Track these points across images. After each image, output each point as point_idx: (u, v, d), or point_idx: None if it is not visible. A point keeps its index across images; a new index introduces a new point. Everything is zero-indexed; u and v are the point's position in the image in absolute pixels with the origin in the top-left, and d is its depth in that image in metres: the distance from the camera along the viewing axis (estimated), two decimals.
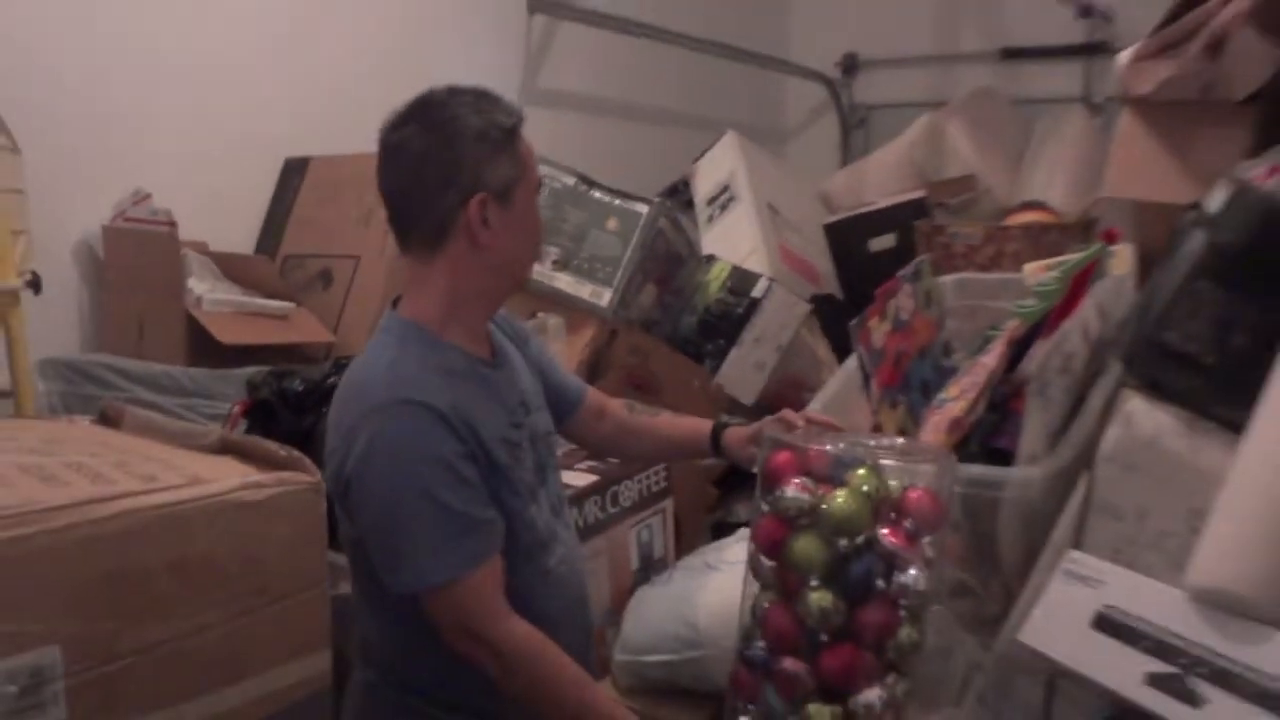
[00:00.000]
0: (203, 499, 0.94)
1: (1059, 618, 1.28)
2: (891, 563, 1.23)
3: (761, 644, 1.30)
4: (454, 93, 1.38)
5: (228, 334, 2.29)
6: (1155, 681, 1.15)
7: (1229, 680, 1.10)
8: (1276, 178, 1.57)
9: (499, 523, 1.35)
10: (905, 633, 1.25)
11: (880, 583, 1.23)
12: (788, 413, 1.50)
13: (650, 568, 2.03)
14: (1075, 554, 1.32)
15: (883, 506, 1.26)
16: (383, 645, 1.41)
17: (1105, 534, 1.39)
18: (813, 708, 1.24)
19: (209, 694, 0.99)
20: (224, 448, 1.11)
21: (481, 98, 1.38)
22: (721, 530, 2.40)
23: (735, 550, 1.89)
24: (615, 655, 1.89)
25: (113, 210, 2.31)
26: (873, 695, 1.23)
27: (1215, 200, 1.34)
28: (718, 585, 1.83)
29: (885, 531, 1.23)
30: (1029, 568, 1.48)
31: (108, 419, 1.26)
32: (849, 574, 1.23)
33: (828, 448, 1.29)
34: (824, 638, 1.24)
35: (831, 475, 1.26)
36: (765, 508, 1.30)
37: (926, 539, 1.25)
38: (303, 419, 2.07)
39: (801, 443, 1.32)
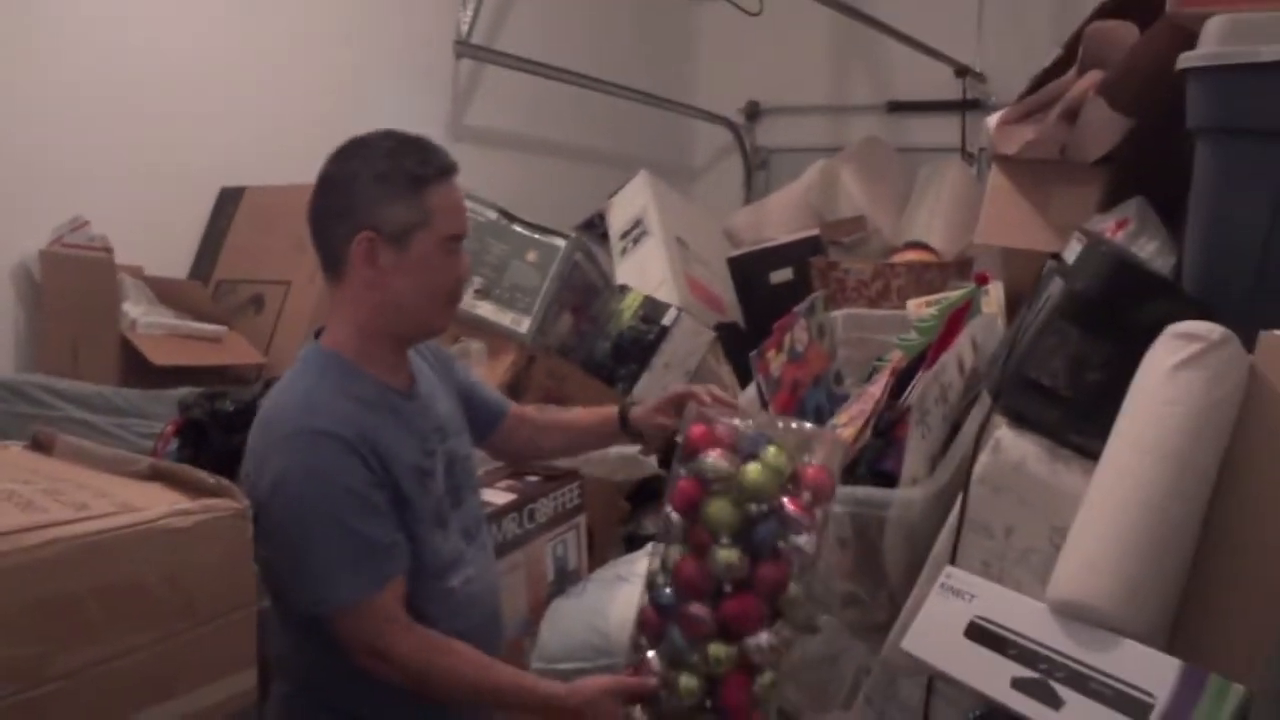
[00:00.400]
0: (131, 526, 0.90)
1: (936, 627, 1.31)
2: (789, 527, 1.33)
3: (669, 589, 1.38)
4: (386, 135, 1.39)
5: (161, 355, 2.22)
6: (1020, 685, 1.19)
7: (1085, 684, 1.13)
8: (1123, 231, 1.64)
9: (404, 545, 1.34)
10: (794, 587, 1.35)
11: (779, 543, 1.33)
12: (697, 389, 1.58)
13: (565, 580, 2.03)
14: (950, 569, 1.35)
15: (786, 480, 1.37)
16: (296, 660, 1.38)
17: (977, 550, 1.42)
18: (713, 646, 1.34)
19: (137, 714, 0.95)
20: (154, 475, 1.07)
21: (405, 143, 1.37)
22: (633, 542, 2.40)
23: (644, 563, 1.89)
24: (532, 664, 1.88)
25: (50, 236, 2.23)
26: (764, 638, 1.33)
27: (1072, 252, 1.39)
28: (628, 596, 1.83)
29: (787, 500, 1.34)
30: (912, 580, 1.51)
31: (40, 445, 1.21)
32: (755, 535, 1.34)
33: (741, 425, 1.39)
34: (727, 588, 1.34)
35: (741, 449, 1.37)
36: (684, 472, 1.39)
37: (819, 509, 1.36)
38: (234, 438, 2.01)
39: (721, 419, 1.41)
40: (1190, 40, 1.44)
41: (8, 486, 0.96)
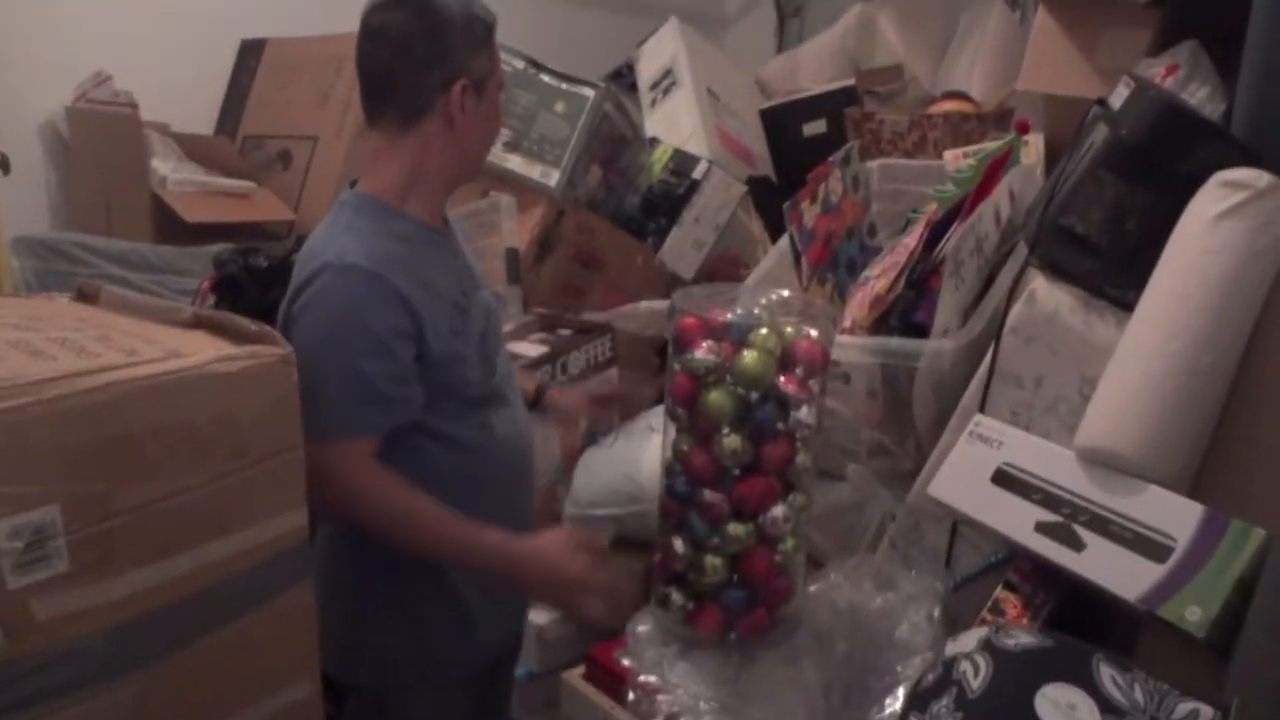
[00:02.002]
0: (180, 371, 0.94)
1: (963, 473, 1.34)
2: (788, 405, 1.37)
3: (683, 479, 1.43)
4: None
5: (192, 212, 2.24)
6: (1043, 529, 1.23)
7: (1106, 527, 1.17)
8: (1173, 76, 1.59)
9: (410, 404, 1.36)
10: (801, 459, 1.39)
11: (779, 424, 1.37)
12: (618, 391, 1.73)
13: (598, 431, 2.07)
14: (979, 417, 1.38)
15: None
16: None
17: (1006, 399, 1.44)
18: (731, 527, 1.39)
19: (196, 547, 1.01)
20: (197, 323, 1.10)
21: None
22: (662, 396, 2.44)
23: None
24: (566, 509, 1.94)
25: (75, 92, 2.21)
26: (778, 511, 1.38)
27: (1118, 97, 1.35)
28: (658, 445, 1.87)
29: (782, 379, 1.36)
30: (939, 430, 1.54)
31: (85, 296, 1.24)
32: (754, 419, 1.37)
33: (727, 315, 1.40)
34: (736, 471, 1.38)
35: (730, 336, 1.38)
36: (677, 367, 1.42)
37: (814, 380, 1.39)
38: (268, 293, 2.05)
39: (703, 310, 1.42)
40: None
41: (59, 334, 0.99)
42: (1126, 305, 1.33)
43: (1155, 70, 1.63)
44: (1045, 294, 1.41)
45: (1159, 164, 1.32)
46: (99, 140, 2.21)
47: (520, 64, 2.38)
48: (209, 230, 2.23)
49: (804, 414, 1.38)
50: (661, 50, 3.04)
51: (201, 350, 0.98)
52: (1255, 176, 1.20)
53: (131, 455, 0.91)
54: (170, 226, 2.24)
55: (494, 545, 1.38)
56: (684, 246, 2.63)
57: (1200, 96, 1.59)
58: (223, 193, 2.33)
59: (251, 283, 2.04)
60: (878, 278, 1.68)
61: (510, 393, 1.53)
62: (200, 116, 2.55)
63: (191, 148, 2.39)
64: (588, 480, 1.95)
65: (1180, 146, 1.31)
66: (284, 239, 2.29)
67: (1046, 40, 1.80)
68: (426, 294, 1.37)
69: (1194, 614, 1.07)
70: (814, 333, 1.42)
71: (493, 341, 1.52)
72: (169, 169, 2.30)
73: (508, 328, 2.09)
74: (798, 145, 2.97)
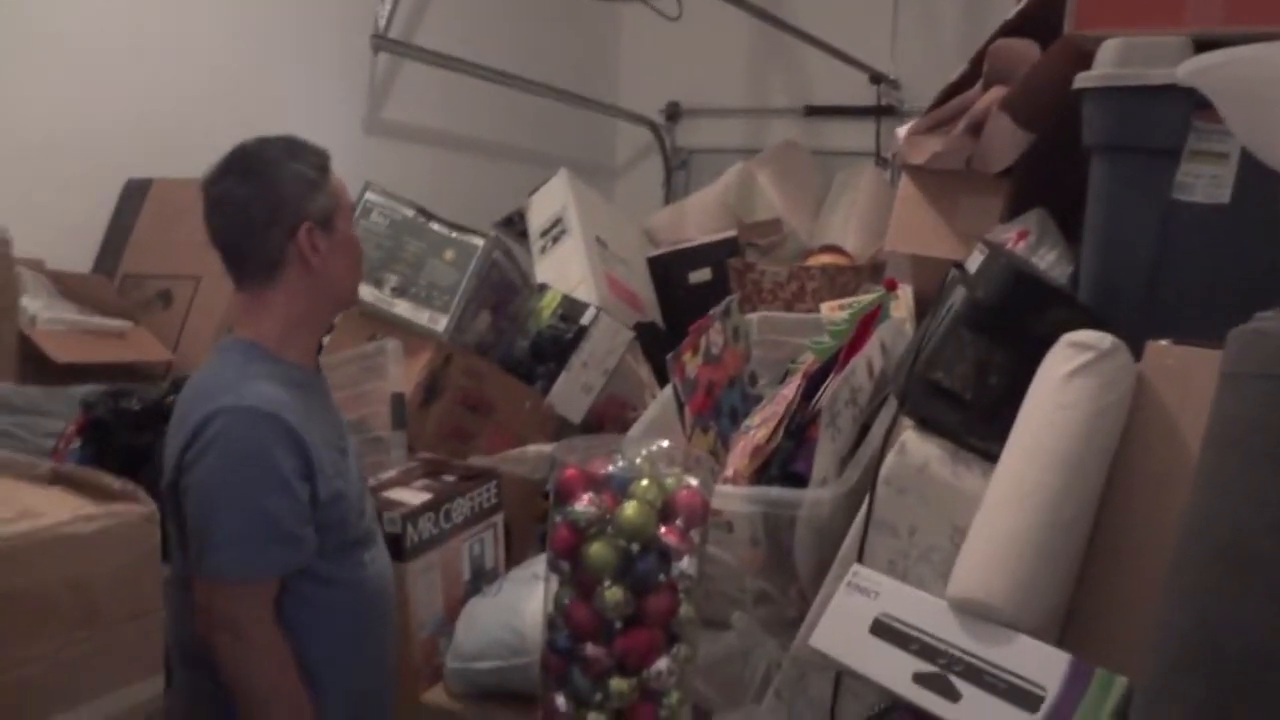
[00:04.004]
0: (33, 533, 0.89)
1: (842, 624, 1.35)
2: (669, 556, 1.37)
3: (565, 633, 1.41)
4: (265, 142, 1.48)
5: (62, 352, 2.15)
6: (921, 679, 1.23)
7: (981, 677, 1.19)
8: (1024, 241, 1.71)
9: (306, 545, 1.40)
10: (684, 610, 1.40)
11: (661, 575, 1.37)
12: None
13: (481, 578, 2.02)
14: (857, 567, 1.40)
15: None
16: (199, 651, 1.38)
17: (883, 548, 1.47)
18: (614, 682, 1.37)
19: None
20: (56, 479, 1.05)
21: (290, 142, 1.49)
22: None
23: None
24: (448, 663, 1.87)
25: None
26: (662, 665, 1.38)
27: (974, 261, 1.45)
28: (543, 594, 1.84)
29: (664, 530, 1.37)
30: (821, 577, 1.55)
31: None
32: (636, 571, 1.37)
33: (609, 468, 1.42)
34: (618, 624, 1.37)
35: (611, 487, 1.39)
36: (559, 518, 1.42)
37: (695, 530, 1.40)
38: (140, 437, 1.97)
39: (585, 461, 1.44)
40: (1087, 60, 1.51)
41: None
42: (991, 456, 1.39)
43: (1008, 235, 1.76)
44: (915, 445, 1.46)
45: (1012, 324, 1.41)
46: None
47: (410, 212, 2.41)
48: (80, 371, 2.14)
49: (686, 565, 1.39)
50: (552, 199, 3.13)
51: (57, 509, 0.93)
52: (1099, 338, 1.29)
53: None
54: (38, 366, 2.14)
55: None
56: (573, 391, 2.65)
57: (1050, 260, 1.71)
58: (97, 332, 2.25)
59: (121, 426, 1.96)
60: (758, 427, 1.72)
61: (377, 532, 1.61)
62: (78, 254, 2.49)
63: (67, 285, 2.32)
64: (470, 632, 1.89)
65: (1030, 309, 1.40)
66: (159, 380, 2.22)
67: (910, 205, 1.93)
68: (314, 436, 1.42)
69: None
70: (694, 482, 1.44)
71: (363, 482, 1.60)
72: (40, 306, 2.21)
73: (390, 473, 2.05)
74: (684, 292, 3.07)
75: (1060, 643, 1.21)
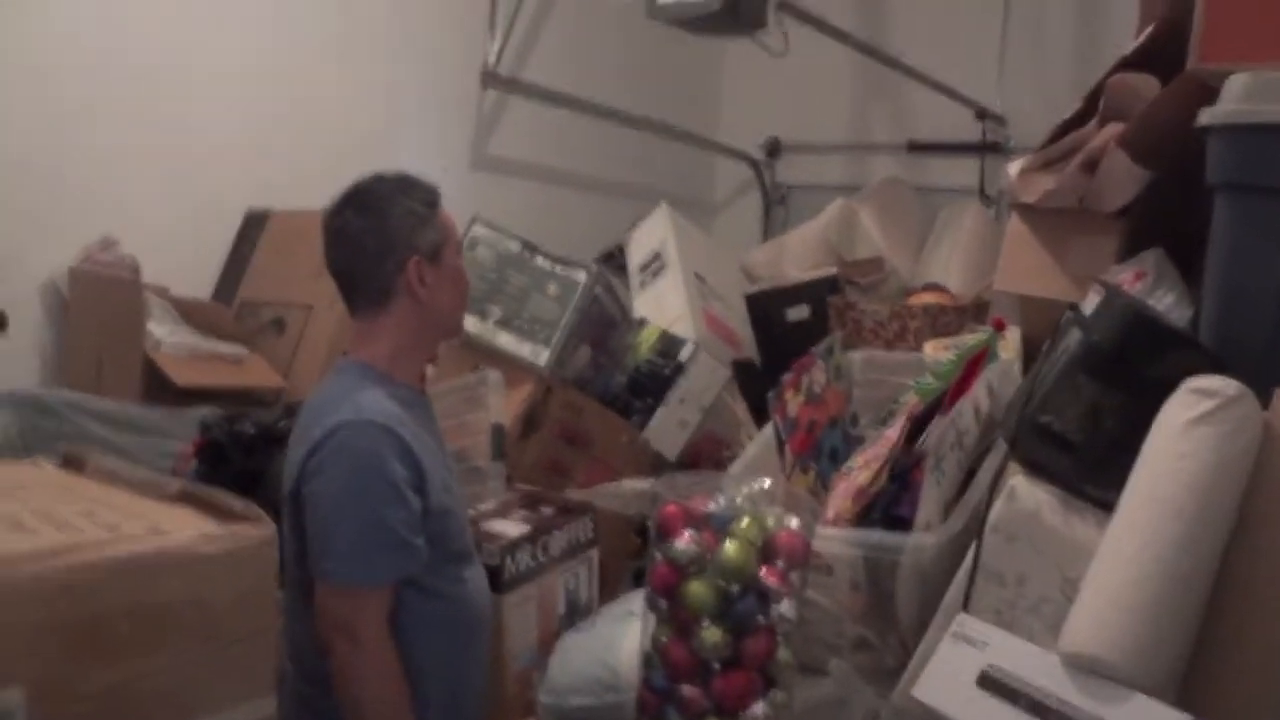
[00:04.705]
0: (161, 550, 0.93)
1: (947, 675, 1.32)
2: (769, 598, 1.36)
3: (662, 671, 1.41)
4: (379, 179, 1.57)
5: (183, 375, 2.26)
6: None
7: None
8: (1141, 282, 1.66)
9: (420, 553, 1.47)
10: (782, 654, 1.39)
11: (760, 617, 1.36)
12: None
13: (576, 614, 2.03)
14: (963, 616, 1.37)
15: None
16: (315, 646, 1.45)
17: (990, 598, 1.44)
18: None
19: None
20: (183, 498, 1.10)
21: (403, 179, 1.58)
22: (642, 575, 2.41)
23: None
24: (541, 697, 1.88)
25: (80, 254, 2.28)
26: (758, 709, 1.36)
27: (1090, 303, 1.41)
28: (638, 631, 1.84)
29: (764, 571, 1.36)
30: (923, 625, 1.52)
31: (72, 464, 1.24)
32: (735, 612, 1.36)
33: (710, 506, 1.42)
34: (716, 665, 1.36)
35: (712, 526, 1.39)
36: (659, 556, 1.42)
37: (795, 572, 1.38)
38: (252, 460, 2.05)
39: (686, 498, 1.45)
40: (1210, 95, 1.46)
41: (43, 506, 0.99)
42: (1105, 505, 1.35)
43: (1123, 276, 1.72)
44: (1026, 492, 1.42)
45: (1130, 368, 1.37)
46: (98, 302, 2.25)
47: (515, 246, 2.47)
48: (198, 394, 2.24)
49: (785, 607, 1.37)
50: (651, 234, 3.16)
51: (183, 528, 0.98)
52: (1224, 384, 1.24)
53: (103, 636, 0.90)
54: (160, 388, 2.25)
55: None
56: (669, 426, 2.65)
57: (1167, 302, 1.66)
58: (215, 357, 2.36)
59: (235, 448, 2.04)
60: (860, 469, 1.70)
61: (475, 553, 1.67)
62: (200, 281, 2.61)
63: (189, 311, 2.44)
64: (564, 666, 1.90)
65: (1150, 352, 1.36)
66: (271, 405, 2.31)
67: (1020, 244, 1.89)
68: (425, 450, 1.50)
69: None
70: (796, 523, 1.43)
71: (463, 503, 1.67)
72: (164, 332, 2.33)
73: (489, 504, 2.08)
74: (782, 330, 3.06)
75: (1180, 702, 1.15)
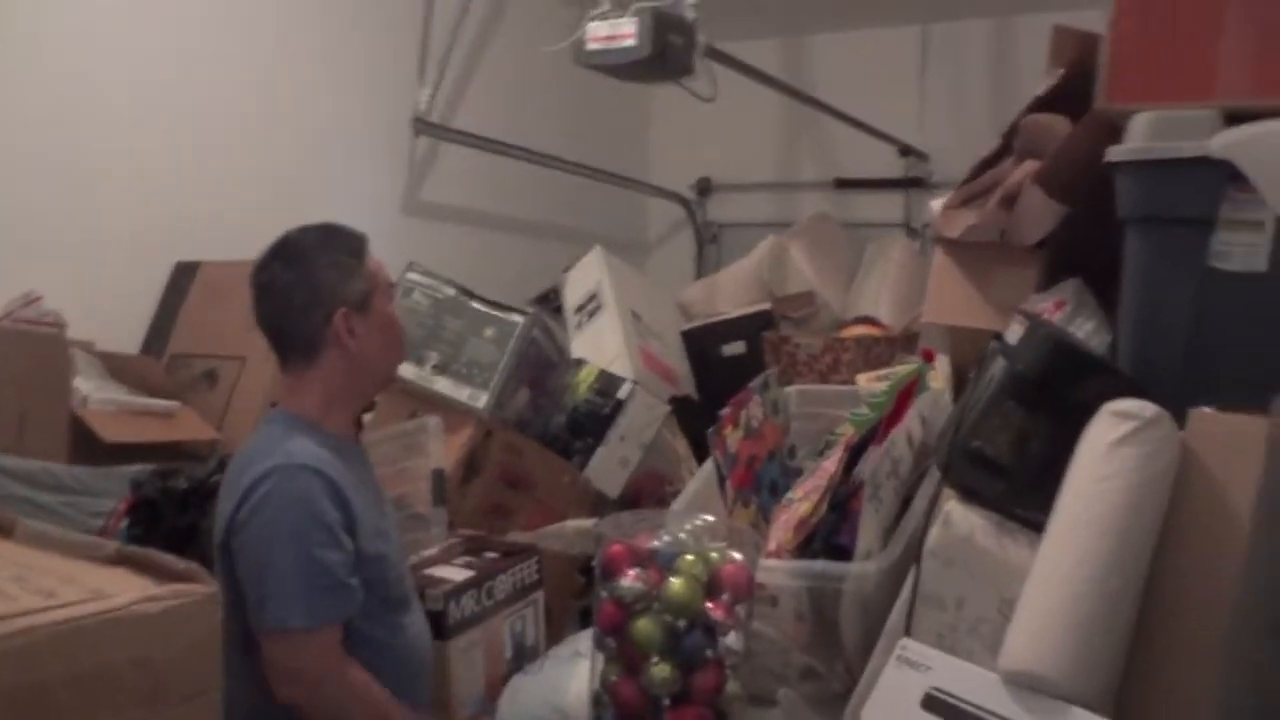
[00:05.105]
0: (102, 614, 0.91)
1: (893, 699, 1.34)
2: (716, 632, 1.38)
3: (612, 710, 1.41)
4: (305, 231, 1.59)
5: (111, 431, 2.21)
6: None
7: None
8: (1061, 311, 1.73)
9: (357, 594, 1.48)
10: (731, 687, 1.40)
11: (708, 651, 1.37)
12: None
13: (523, 657, 2.02)
14: (906, 641, 1.39)
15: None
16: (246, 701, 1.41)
17: (930, 621, 1.47)
18: None
19: None
20: (120, 559, 1.08)
21: (328, 230, 1.59)
22: (588, 615, 2.40)
23: None
24: None
25: (1, 310, 2.22)
26: None
27: (1014, 333, 1.47)
28: (586, 671, 1.83)
29: (710, 606, 1.38)
30: (867, 651, 1.55)
31: None
32: (683, 647, 1.37)
33: (654, 543, 1.44)
34: (665, 701, 1.37)
35: (657, 563, 1.41)
36: (605, 594, 1.43)
37: (740, 605, 1.40)
38: (186, 516, 2.01)
39: (630, 537, 1.46)
40: (1117, 133, 1.54)
41: None
42: (1036, 526, 1.39)
43: (1044, 305, 1.78)
44: (960, 517, 1.46)
45: (1054, 394, 1.42)
46: (22, 359, 2.19)
47: (451, 291, 2.47)
48: (127, 450, 2.19)
49: (732, 640, 1.40)
50: (587, 275, 3.19)
51: (123, 590, 0.96)
52: (1141, 407, 1.30)
53: (40, 705, 0.87)
54: (88, 446, 2.19)
55: None
56: (610, 465, 2.66)
57: (1087, 330, 1.73)
58: (145, 412, 2.31)
59: (168, 505, 2.00)
60: (800, 500, 1.73)
61: (414, 599, 1.67)
62: (128, 335, 2.56)
63: (116, 366, 2.39)
64: (513, 710, 1.88)
65: (1072, 378, 1.42)
66: (205, 459, 2.26)
67: (945, 277, 1.96)
68: (356, 495, 1.51)
69: None
70: (739, 557, 1.45)
71: (401, 551, 1.67)
72: (91, 387, 2.28)
73: (431, 551, 2.07)
74: (718, 365, 3.10)
75: (1115, 713, 1.19)
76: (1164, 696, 1.22)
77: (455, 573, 1.95)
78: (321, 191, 2.98)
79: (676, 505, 1.92)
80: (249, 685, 1.42)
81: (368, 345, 1.56)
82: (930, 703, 1.31)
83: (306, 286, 1.53)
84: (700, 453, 2.59)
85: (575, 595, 2.51)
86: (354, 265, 1.56)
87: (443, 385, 2.40)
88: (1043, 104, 1.85)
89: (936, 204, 2.01)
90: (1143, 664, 1.25)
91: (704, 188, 4.14)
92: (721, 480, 1.79)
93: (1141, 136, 1.47)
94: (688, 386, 3.11)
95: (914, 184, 3.68)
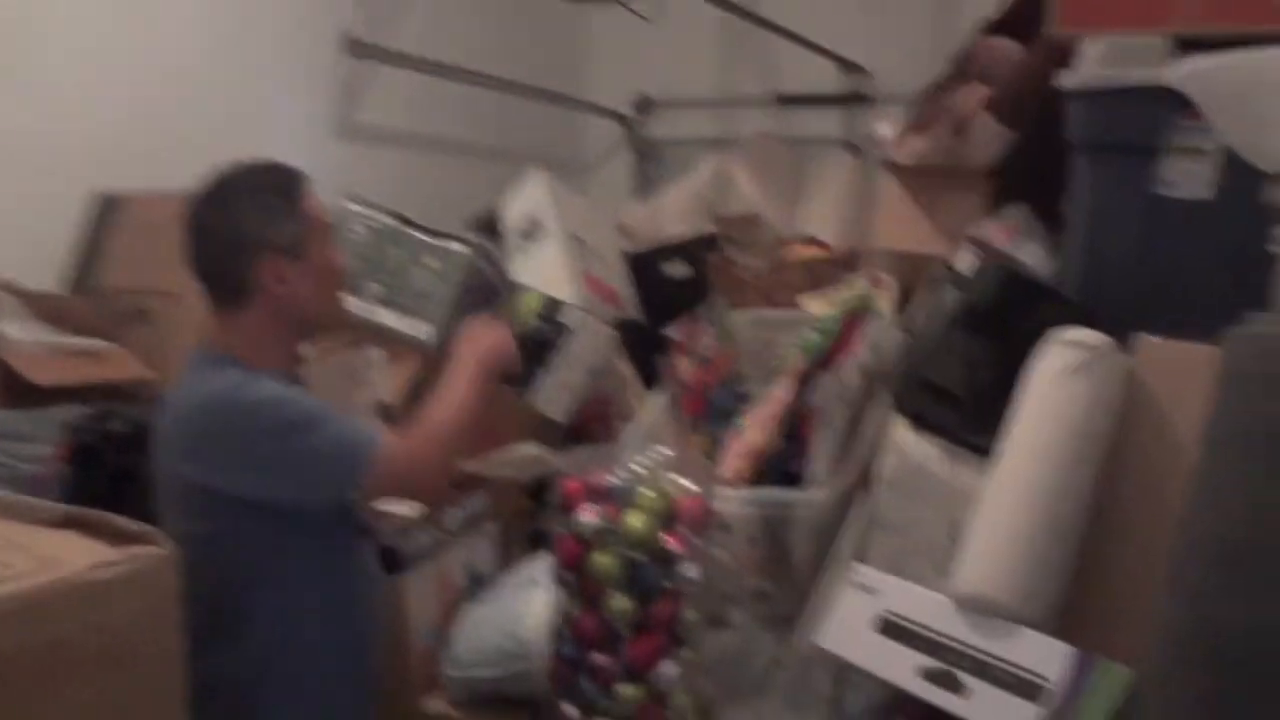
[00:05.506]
0: (56, 584, 0.88)
1: (848, 623, 1.38)
2: (674, 564, 1.41)
3: (573, 642, 1.44)
4: (237, 169, 1.51)
5: (41, 374, 2.12)
6: (928, 675, 1.27)
7: (986, 671, 1.22)
8: (1009, 237, 1.74)
9: None
10: (689, 614, 1.43)
11: (666, 582, 1.40)
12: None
13: (478, 586, 2.04)
14: (860, 567, 1.43)
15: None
16: (235, 678, 1.41)
17: (881, 545, 1.51)
18: (622, 689, 1.41)
19: None
20: (68, 522, 1.05)
21: (260, 169, 1.52)
22: (539, 539, 2.42)
23: None
24: (447, 671, 1.88)
25: None
26: (669, 669, 1.42)
27: (965, 262, 1.48)
28: (541, 600, 1.85)
29: (668, 538, 1.40)
30: (818, 573, 1.59)
31: None
32: (642, 580, 1.40)
33: (611, 478, 1.46)
34: (625, 632, 1.41)
35: (614, 498, 1.43)
36: (562, 530, 1.46)
37: (698, 536, 1.43)
38: (127, 459, 1.96)
39: (586, 471, 1.49)
40: (1068, 59, 1.53)
41: None
42: (985, 452, 1.43)
43: (993, 231, 1.79)
44: (912, 445, 1.49)
45: (1004, 323, 1.45)
46: None
47: (390, 220, 2.40)
48: (61, 393, 2.11)
49: (689, 570, 1.42)
50: (527, 198, 3.12)
51: (75, 556, 0.93)
52: (1092, 337, 1.32)
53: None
54: (17, 390, 2.11)
55: (466, 365, 1.69)
56: (556, 391, 2.63)
57: (1035, 255, 1.75)
58: (75, 352, 2.22)
59: (108, 449, 1.95)
60: (752, 428, 1.74)
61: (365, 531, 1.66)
62: (47, 272, 2.45)
63: (41, 306, 2.28)
64: (469, 640, 1.90)
65: (1022, 307, 1.44)
66: (141, 400, 2.20)
67: (896, 203, 1.96)
68: None
69: None
70: (695, 488, 1.46)
71: None
72: (16, 329, 2.18)
73: None
74: (662, 287, 3.07)
75: (1062, 634, 1.24)
76: (1106, 619, 1.27)
77: (408, 507, 1.94)
78: (248, 116, 2.85)
79: (630, 436, 1.92)
80: (231, 656, 1.42)
81: (301, 292, 1.50)
82: (884, 626, 1.35)
83: (231, 229, 1.47)
84: (648, 377, 2.59)
85: (524, 520, 2.52)
86: (285, 207, 1.49)
87: (385, 317, 2.34)
88: (994, 27, 1.84)
89: (885, 127, 1.99)
90: (1086, 588, 1.29)
91: (643, 105, 4.06)
92: (675, 410, 1.79)
93: (1093, 64, 1.47)
94: (632, 310, 3.09)
95: (856, 100, 3.65)
